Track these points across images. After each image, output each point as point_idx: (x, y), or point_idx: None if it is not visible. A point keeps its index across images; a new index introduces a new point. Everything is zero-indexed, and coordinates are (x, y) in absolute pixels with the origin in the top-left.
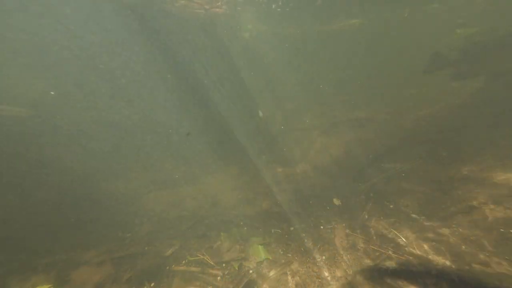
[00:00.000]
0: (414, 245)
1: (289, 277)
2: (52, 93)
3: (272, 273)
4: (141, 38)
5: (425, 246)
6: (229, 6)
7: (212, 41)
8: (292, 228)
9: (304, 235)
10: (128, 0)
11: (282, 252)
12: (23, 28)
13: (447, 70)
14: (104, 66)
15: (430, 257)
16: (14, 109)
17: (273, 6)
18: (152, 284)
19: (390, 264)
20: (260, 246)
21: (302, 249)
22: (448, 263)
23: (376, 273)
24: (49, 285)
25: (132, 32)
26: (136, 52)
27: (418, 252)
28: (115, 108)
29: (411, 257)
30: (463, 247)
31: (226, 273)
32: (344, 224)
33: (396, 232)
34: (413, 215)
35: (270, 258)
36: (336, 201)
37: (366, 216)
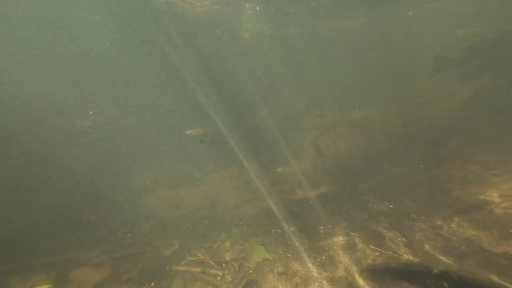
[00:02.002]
0: (414, 245)
1: (289, 277)
2: (91, 112)
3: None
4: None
5: (425, 246)
6: (214, 5)
7: (200, 39)
8: (292, 228)
9: (304, 235)
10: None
11: (282, 252)
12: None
13: (451, 70)
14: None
15: (430, 257)
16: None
17: (266, 6)
18: (152, 284)
19: (390, 264)
20: (260, 246)
21: (302, 249)
22: (448, 263)
23: (376, 273)
24: (49, 285)
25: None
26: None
27: (418, 252)
28: (113, 109)
29: (411, 257)
30: (463, 247)
31: (226, 273)
32: (344, 224)
33: (396, 232)
34: (413, 215)
35: (270, 258)
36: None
37: (366, 216)
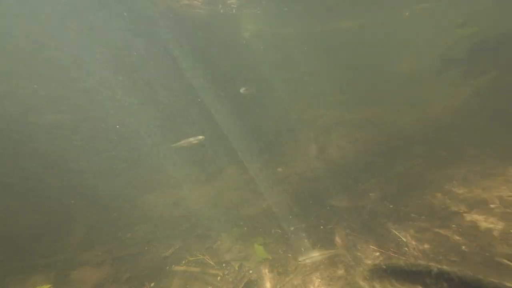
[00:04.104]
0: (414, 245)
1: (289, 277)
2: (117, 127)
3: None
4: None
5: (425, 246)
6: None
7: (192, 37)
8: (292, 228)
9: (304, 235)
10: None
11: (282, 252)
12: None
13: (452, 71)
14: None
15: (430, 257)
16: (59, 116)
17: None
18: (152, 284)
19: (390, 264)
20: (260, 246)
21: (302, 249)
22: (448, 263)
23: (376, 273)
24: (49, 285)
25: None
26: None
27: (418, 252)
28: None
29: (411, 257)
30: (463, 247)
31: (226, 273)
32: (344, 224)
33: (396, 232)
34: (413, 215)
35: (270, 258)
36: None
37: (366, 216)
